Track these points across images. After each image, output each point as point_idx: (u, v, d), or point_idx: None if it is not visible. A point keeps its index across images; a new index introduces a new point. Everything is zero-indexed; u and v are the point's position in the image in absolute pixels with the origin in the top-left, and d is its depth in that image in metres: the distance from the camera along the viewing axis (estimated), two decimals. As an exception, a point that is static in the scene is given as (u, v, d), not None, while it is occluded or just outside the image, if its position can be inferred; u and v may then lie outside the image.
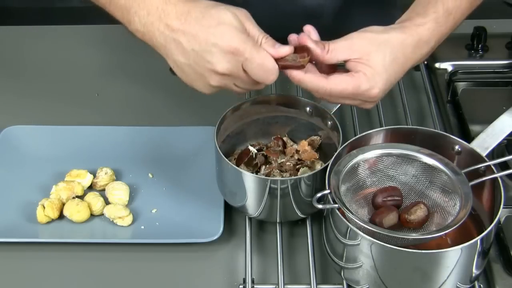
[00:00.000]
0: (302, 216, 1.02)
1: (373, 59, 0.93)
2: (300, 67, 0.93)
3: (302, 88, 0.96)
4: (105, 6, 0.98)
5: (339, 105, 1.06)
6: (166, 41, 0.92)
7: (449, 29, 1.00)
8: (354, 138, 0.99)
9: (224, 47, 0.90)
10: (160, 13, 0.92)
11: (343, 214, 0.89)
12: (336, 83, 0.93)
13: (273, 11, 1.25)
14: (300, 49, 0.93)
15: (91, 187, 1.11)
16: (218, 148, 1.00)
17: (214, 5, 0.93)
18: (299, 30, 0.96)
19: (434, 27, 0.97)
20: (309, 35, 0.95)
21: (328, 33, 1.32)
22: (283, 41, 1.33)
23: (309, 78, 0.93)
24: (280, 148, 1.07)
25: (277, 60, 0.92)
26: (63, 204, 1.06)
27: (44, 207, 1.04)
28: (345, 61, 0.94)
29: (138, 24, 0.94)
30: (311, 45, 0.93)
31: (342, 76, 0.94)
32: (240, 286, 0.95)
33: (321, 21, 1.28)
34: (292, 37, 0.95)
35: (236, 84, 0.94)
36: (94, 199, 1.06)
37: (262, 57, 0.91)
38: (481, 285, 0.94)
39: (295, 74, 0.93)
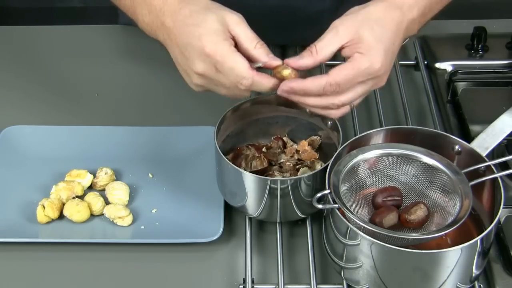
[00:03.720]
0: (302, 216, 1.02)
1: (362, 35, 0.93)
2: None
3: (304, 104, 0.95)
4: (116, 5, 1.07)
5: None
6: (164, 37, 0.97)
7: None
8: (354, 138, 0.99)
9: (198, 48, 0.92)
10: (158, 12, 0.96)
11: (343, 214, 0.89)
12: (337, 73, 0.92)
13: (274, 18, 1.25)
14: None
15: (91, 187, 1.10)
16: (218, 148, 1.00)
17: (206, 6, 0.94)
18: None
19: None
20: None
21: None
22: (284, 48, 1.33)
23: (310, 80, 0.92)
24: (280, 148, 1.07)
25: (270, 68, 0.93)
26: (63, 204, 1.06)
27: (44, 207, 1.04)
28: (340, 51, 0.94)
29: (142, 23, 1.00)
30: (295, 60, 0.93)
31: (339, 65, 0.93)
32: (240, 286, 0.95)
33: (321, 25, 1.28)
34: None
35: (218, 87, 0.94)
36: (94, 199, 1.06)
37: (233, 60, 0.91)
38: (481, 285, 0.94)
39: (295, 84, 0.92)
